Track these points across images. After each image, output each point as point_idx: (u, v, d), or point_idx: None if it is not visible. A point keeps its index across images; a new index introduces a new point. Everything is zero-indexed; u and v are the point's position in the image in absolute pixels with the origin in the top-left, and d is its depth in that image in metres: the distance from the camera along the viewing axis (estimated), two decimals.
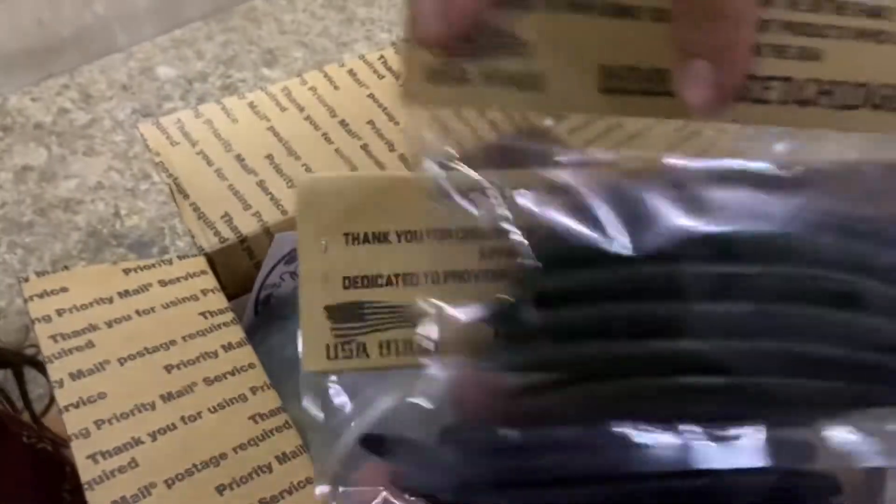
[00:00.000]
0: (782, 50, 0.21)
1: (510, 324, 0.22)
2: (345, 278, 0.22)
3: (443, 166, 0.22)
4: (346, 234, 0.23)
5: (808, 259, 0.24)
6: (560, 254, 0.22)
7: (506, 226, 0.22)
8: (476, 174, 0.22)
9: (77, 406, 0.36)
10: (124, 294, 0.41)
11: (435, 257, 0.22)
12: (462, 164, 0.22)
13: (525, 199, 0.22)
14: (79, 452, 0.34)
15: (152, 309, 0.41)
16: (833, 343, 0.24)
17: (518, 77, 0.20)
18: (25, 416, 0.45)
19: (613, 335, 0.23)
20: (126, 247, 0.62)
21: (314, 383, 0.23)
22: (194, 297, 0.42)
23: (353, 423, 0.23)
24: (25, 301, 0.39)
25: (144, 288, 0.42)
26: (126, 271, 0.42)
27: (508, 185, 0.22)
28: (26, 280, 0.40)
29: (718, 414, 0.24)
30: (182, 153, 0.50)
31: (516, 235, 0.22)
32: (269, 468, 0.36)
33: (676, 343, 0.23)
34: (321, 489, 0.23)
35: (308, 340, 0.22)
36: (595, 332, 0.23)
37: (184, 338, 0.40)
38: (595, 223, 0.22)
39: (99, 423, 0.35)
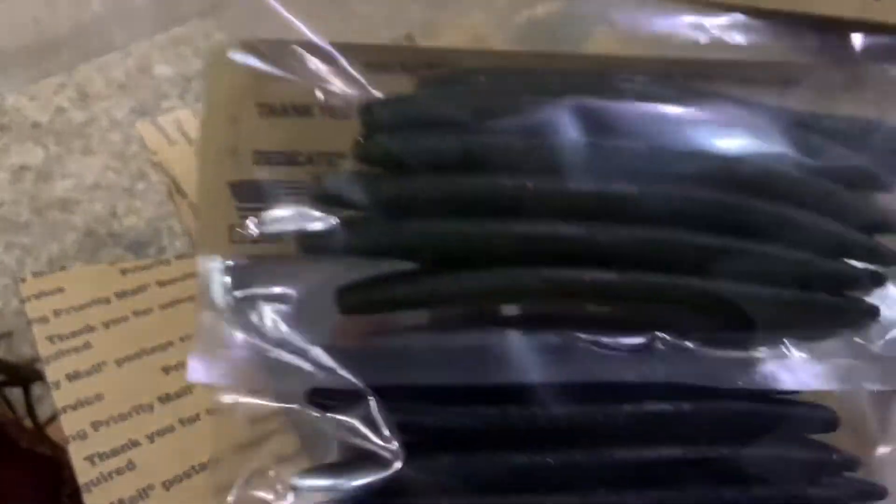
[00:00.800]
0: None
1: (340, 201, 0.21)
2: (256, 153, 0.21)
3: None
4: (261, 105, 0.22)
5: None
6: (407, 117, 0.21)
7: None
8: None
9: (74, 408, 0.35)
10: (122, 294, 0.41)
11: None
12: None
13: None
14: (76, 454, 0.34)
15: (150, 309, 0.41)
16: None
17: None
18: (27, 423, 0.45)
19: (468, 210, 0.21)
20: (123, 247, 0.62)
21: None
22: (192, 298, 0.42)
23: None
24: (22, 301, 0.39)
25: (142, 288, 0.42)
26: (123, 272, 0.42)
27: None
28: (24, 281, 0.40)
29: (610, 318, 0.23)
30: (180, 152, 0.49)
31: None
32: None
33: (553, 227, 0.21)
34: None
35: (206, 221, 0.20)
36: (446, 207, 0.21)
37: (182, 339, 0.40)
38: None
39: (96, 425, 0.35)
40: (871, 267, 0.25)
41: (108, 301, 0.41)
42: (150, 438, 0.36)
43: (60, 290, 0.40)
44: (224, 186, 0.21)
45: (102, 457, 0.34)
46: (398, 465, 0.20)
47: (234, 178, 0.21)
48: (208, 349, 0.20)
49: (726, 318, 0.23)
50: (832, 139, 0.24)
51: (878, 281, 0.26)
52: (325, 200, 0.21)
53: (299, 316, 0.21)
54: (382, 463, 0.20)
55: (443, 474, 0.21)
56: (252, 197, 0.20)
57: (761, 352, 0.24)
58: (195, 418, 0.37)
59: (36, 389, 0.46)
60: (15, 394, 0.46)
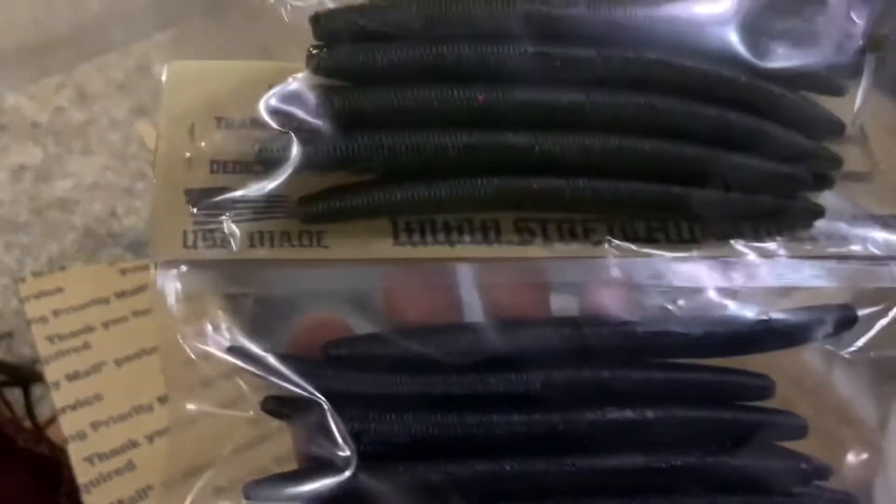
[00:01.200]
0: None
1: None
2: (213, 162, 0.22)
3: None
4: (219, 119, 0.22)
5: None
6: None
7: None
8: None
9: (74, 408, 0.35)
10: (121, 295, 0.41)
11: None
12: None
13: None
14: (76, 454, 0.34)
15: (149, 310, 0.41)
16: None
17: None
18: (27, 424, 0.45)
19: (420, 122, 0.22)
20: (123, 246, 0.62)
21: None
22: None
23: None
24: (22, 301, 0.39)
25: (141, 288, 0.42)
26: (123, 272, 0.42)
27: None
28: (23, 281, 0.40)
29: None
30: None
31: None
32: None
33: (503, 136, 0.22)
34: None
35: (158, 227, 0.20)
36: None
37: None
38: None
39: (96, 425, 0.35)
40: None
41: (107, 301, 0.41)
42: (150, 439, 0.36)
43: (60, 290, 0.40)
44: (180, 194, 0.21)
45: (102, 457, 0.34)
46: (349, 472, 0.20)
47: (192, 185, 0.21)
48: (168, 358, 0.21)
49: (674, 218, 0.24)
50: (784, 41, 0.25)
51: (823, 183, 0.26)
52: (280, 115, 0.21)
53: (253, 324, 0.21)
54: (336, 470, 0.20)
55: (397, 482, 0.21)
56: (207, 204, 0.21)
57: (708, 250, 0.24)
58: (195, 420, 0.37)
59: (35, 390, 0.46)
60: (15, 394, 0.46)
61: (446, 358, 0.21)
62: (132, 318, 0.40)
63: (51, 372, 0.37)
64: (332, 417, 0.21)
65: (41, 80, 0.72)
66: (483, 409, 0.22)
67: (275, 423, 0.22)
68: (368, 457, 0.21)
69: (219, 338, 0.20)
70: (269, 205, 0.21)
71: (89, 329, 0.39)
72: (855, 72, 0.26)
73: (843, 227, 0.26)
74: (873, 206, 0.26)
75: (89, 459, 0.34)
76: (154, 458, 0.35)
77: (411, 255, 0.22)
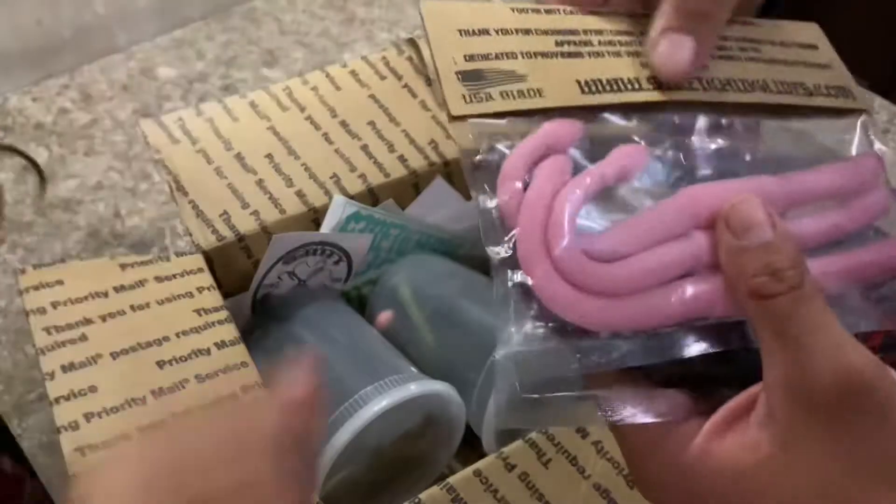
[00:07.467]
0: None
1: None
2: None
3: None
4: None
5: None
6: None
7: None
8: None
9: (67, 398, 0.35)
10: (120, 289, 0.41)
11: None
12: None
13: None
14: (66, 445, 0.34)
15: (147, 304, 0.41)
16: None
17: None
18: None
19: None
20: (126, 246, 0.62)
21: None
22: (189, 295, 0.42)
23: None
24: (21, 293, 0.39)
25: (140, 283, 0.42)
26: (122, 266, 0.42)
27: None
28: (23, 272, 0.40)
29: None
30: (182, 151, 0.50)
31: None
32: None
33: None
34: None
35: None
36: None
37: (177, 334, 0.40)
38: None
39: (88, 417, 0.35)
40: None
41: (106, 295, 0.41)
42: (142, 431, 0.35)
43: (60, 282, 0.40)
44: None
45: (93, 448, 0.34)
46: None
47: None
48: None
49: None
50: None
51: None
52: None
53: None
54: None
55: None
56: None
57: None
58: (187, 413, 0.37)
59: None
60: None
61: None
62: (130, 313, 0.40)
63: (46, 362, 0.36)
64: None
65: (45, 81, 0.72)
66: None
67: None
68: None
69: None
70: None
71: (87, 321, 0.39)
72: None
73: None
74: None
75: (80, 450, 0.34)
76: None
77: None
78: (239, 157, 0.50)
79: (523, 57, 0.31)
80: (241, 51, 0.77)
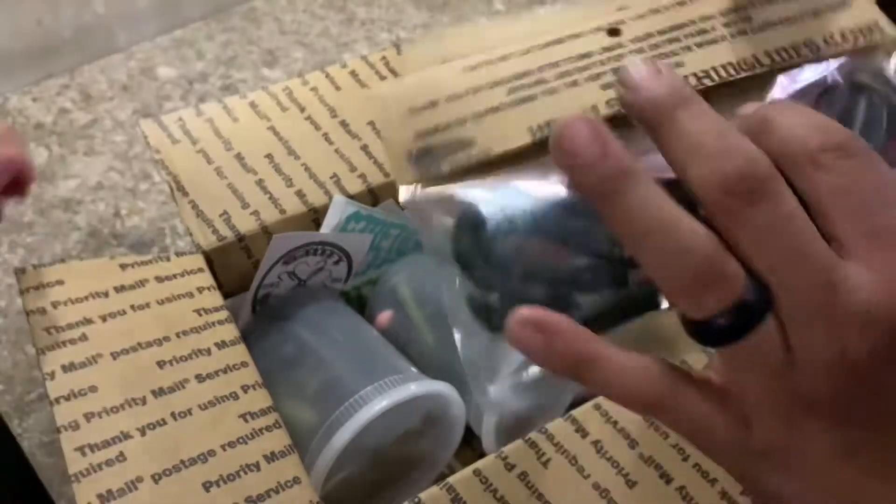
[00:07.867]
0: None
1: None
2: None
3: None
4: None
5: None
6: None
7: None
8: None
9: (68, 398, 0.35)
10: (120, 289, 0.41)
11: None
12: None
13: None
14: (67, 445, 0.34)
15: (147, 304, 0.41)
16: None
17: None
18: None
19: None
20: (126, 247, 0.62)
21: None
22: (190, 295, 0.42)
23: None
24: (21, 293, 0.39)
25: (140, 283, 0.42)
26: (123, 266, 0.42)
27: None
28: (23, 272, 0.40)
29: None
30: (182, 151, 0.50)
31: None
32: (257, 466, 0.36)
33: None
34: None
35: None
36: None
37: (178, 334, 0.40)
38: None
39: (89, 416, 0.35)
40: None
41: (106, 295, 0.41)
42: (142, 431, 0.35)
43: (60, 282, 0.40)
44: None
45: (93, 448, 0.34)
46: None
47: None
48: None
49: None
50: None
51: None
52: None
53: None
54: None
55: None
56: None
57: None
58: (187, 413, 0.37)
59: None
60: None
61: None
62: (130, 313, 0.40)
63: (46, 362, 0.36)
64: None
65: (45, 81, 0.72)
66: None
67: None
68: None
69: None
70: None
71: (87, 321, 0.39)
72: None
73: None
74: None
75: (80, 450, 0.34)
76: (145, 450, 0.35)
77: None
78: (239, 157, 0.50)
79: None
80: (241, 51, 0.77)
